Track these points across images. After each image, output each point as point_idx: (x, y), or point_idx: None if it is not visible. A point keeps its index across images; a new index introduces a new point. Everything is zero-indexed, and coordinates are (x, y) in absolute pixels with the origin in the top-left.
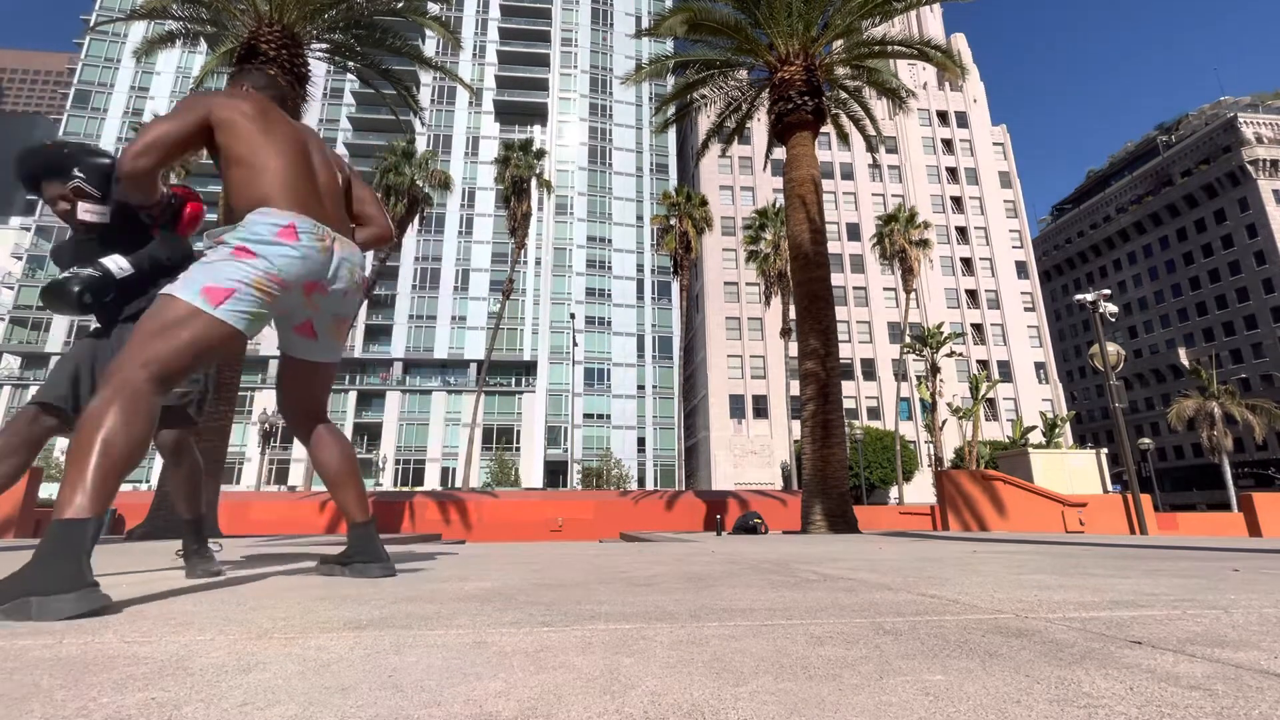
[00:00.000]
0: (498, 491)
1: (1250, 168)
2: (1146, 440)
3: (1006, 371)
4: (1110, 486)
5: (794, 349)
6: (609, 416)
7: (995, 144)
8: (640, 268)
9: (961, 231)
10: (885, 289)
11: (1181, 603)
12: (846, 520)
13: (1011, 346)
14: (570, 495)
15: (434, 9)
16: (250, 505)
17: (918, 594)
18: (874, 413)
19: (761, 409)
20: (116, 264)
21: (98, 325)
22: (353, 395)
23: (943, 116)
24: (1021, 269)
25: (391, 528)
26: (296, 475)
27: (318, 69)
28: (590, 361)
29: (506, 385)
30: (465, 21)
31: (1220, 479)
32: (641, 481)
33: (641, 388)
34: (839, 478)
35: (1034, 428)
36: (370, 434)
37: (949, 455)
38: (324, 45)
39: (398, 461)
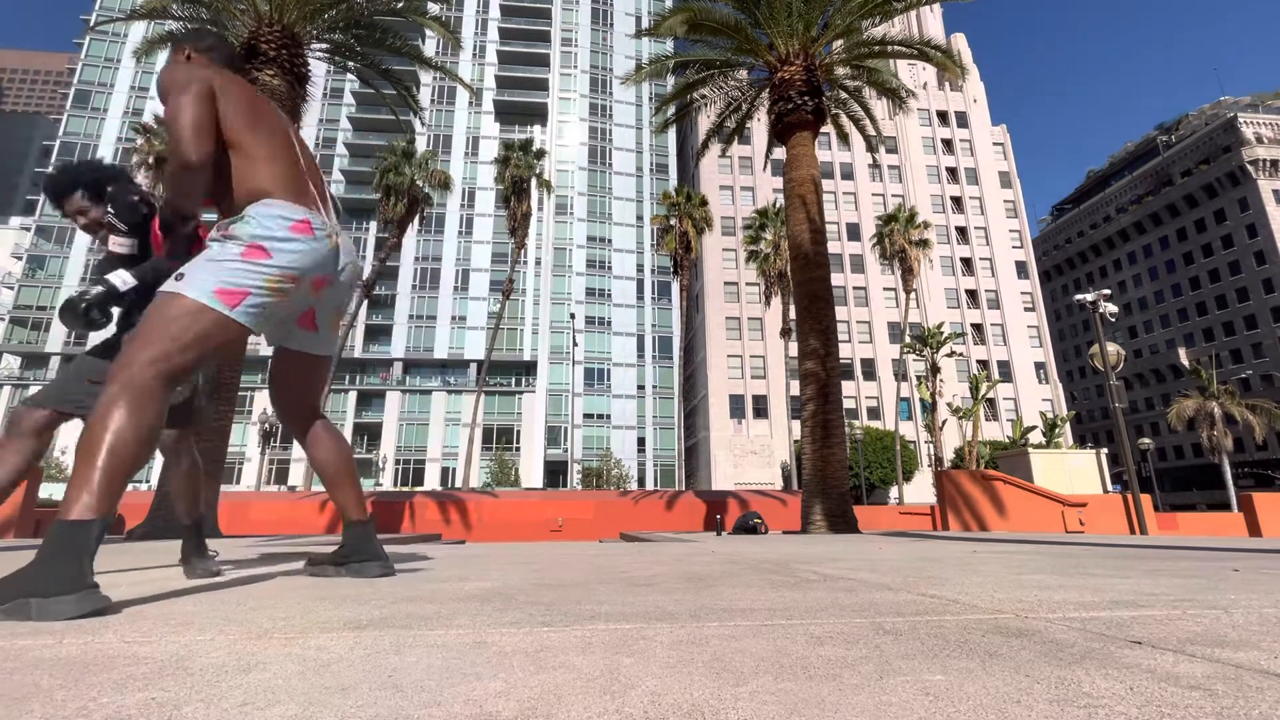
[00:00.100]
0: (498, 491)
1: (1250, 168)
2: (1146, 440)
3: (1006, 371)
4: (1110, 486)
5: (794, 349)
6: (609, 416)
7: (995, 144)
8: (640, 268)
9: (961, 231)
10: (885, 289)
11: (1181, 603)
12: (846, 520)
13: (1011, 346)
14: (570, 495)
15: (434, 9)
16: (250, 505)
17: (918, 594)
18: (874, 413)
19: (761, 409)
20: (121, 278)
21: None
22: (353, 395)
23: (943, 116)
24: (1021, 269)
25: (391, 528)
26: (296, 475)
27: (318, 69)
28: (590, 361)
29: (506, 385)
30: (465, 21)
31: (1220, 479)
32: (641, 481)
33: (641, 388)
34: (839, 478)
35: (1034, 428)
36: (370, 434)
37: (949, 455)
38: (324, 45)
39: (398, 461)
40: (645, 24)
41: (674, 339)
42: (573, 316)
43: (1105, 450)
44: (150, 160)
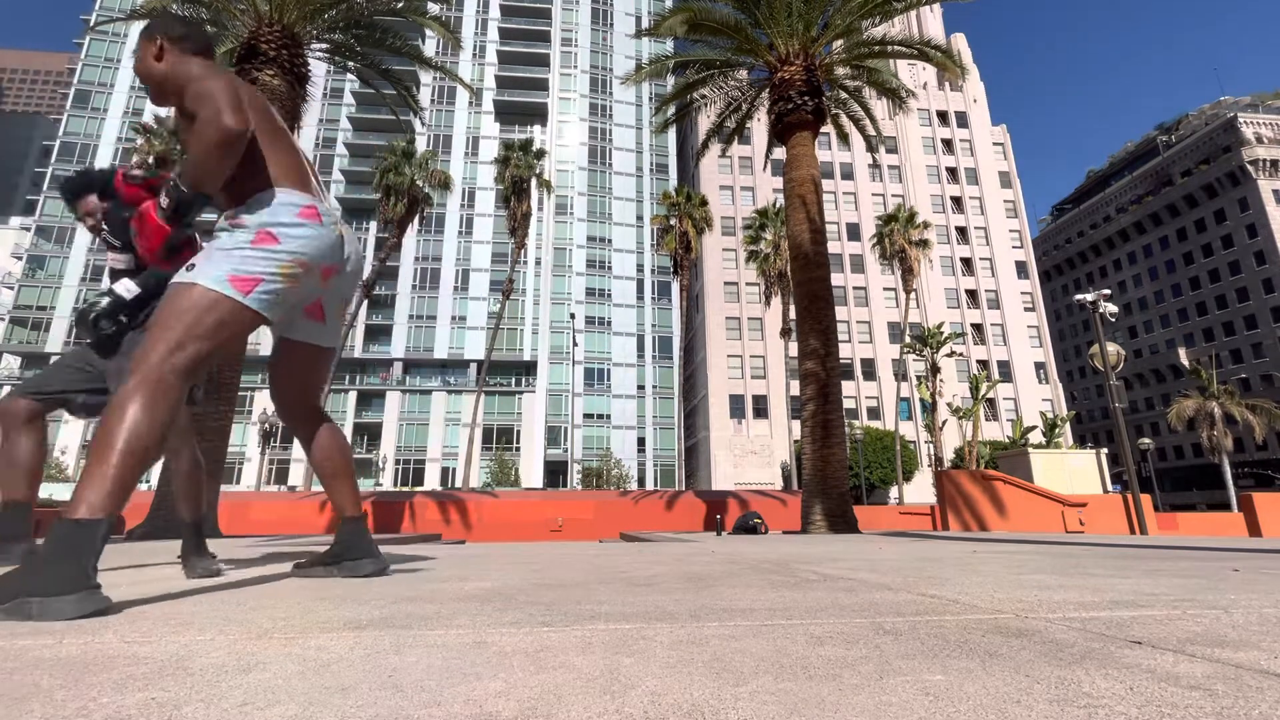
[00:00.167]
0: (498, 491)
1: (1250, 168)
2: (1146, 440)
3: (1006, 371)
4: (1110, 486)
5: (794, 349)
6: (609, 416)
7: (995, 144)
8: (640, 268)
9: (961, 231)
10: (885, 289)
11: (1181, 603)
12: (846, 520)
13: (1011, 346)
14: (570, 495)
15: (434, 9)
16: (250, 505)
17: (918, 594)
18: (874, 413)
19: (761, 409)
20: (125, 287)
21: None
22: (353, 395)
23: (943, 116)
24: (1021, 269)
25: (391, 528)
26: (296, 475)
27: (318, 69)
28: (590, 361)
29: (506, 385)
30: (465, 21)
31: (1220, 479)
32: (641, 481)
33: (641, 388)
34: (839, 478)
35: (1034, 428)
36: (370, 434)
37: (949, 455)
38: (324, 45)
39: (398, 461)
40: (645, 24)
41: (674, 339)
42: (573, 316)
43: (1105, 450)
44: (150, 160)
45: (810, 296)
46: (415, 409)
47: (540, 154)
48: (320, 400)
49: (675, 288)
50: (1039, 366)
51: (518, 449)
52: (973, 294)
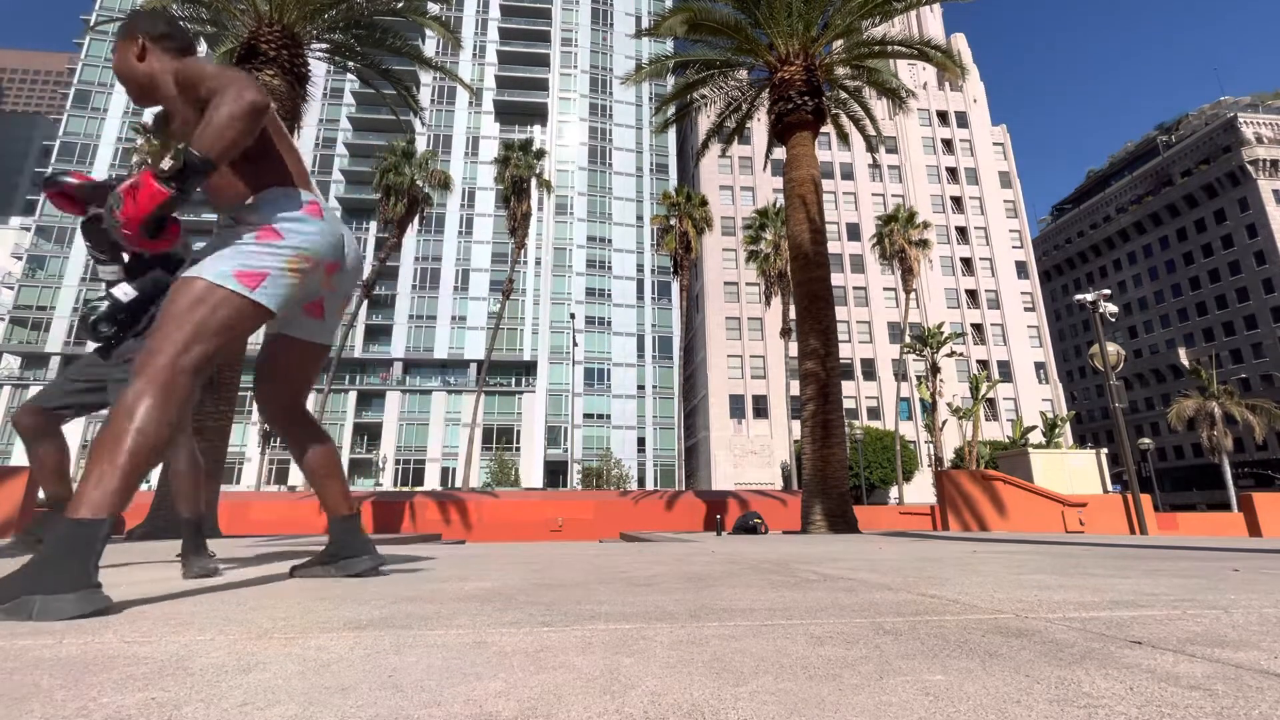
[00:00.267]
0: (498, 491)
1: (1250, 168)
2: (1146, 440)
3: (1006, 371)
4: (1110, 486)
5: (794, 349)
6: (609, 416)
7: (995, 144)
8: (640, 268)
9: (961, 231)
10: (885, 289)
11: (1181, 603)
12: (846, 520)
13: (1011, 346)
14: (570, 495)
15: (434, 9)
16: (250, 505)
17: (918, 594)
18: (874, 413)
19: (761, 409)
20: (123, 291)
21: (101, 347)
22: (353, 395)
23: (943, 116)
24: (1021, 269)
25: (391, 528)
26: (296, 475)
27: (318, 69)
28: (590, 361)
29: (506, 385)
30: (465, 21)
31: (1220, 479)
32: (641, 481)
33: (641, 388)
34: (839, 478)
35: (1034, 428)
36: (370, 434)
37: (949, 455)
38: (324, 45)
39: (398, 461)
40: (645, 24)
41: (674, 339)
42: (573, 316)
43: (1105, 450)
44: (150, 160)
45: (810, 296)
46: (415, 409)
47: (540, 154)
48: (306, 400)
49: (675, 288)
50: (1039, 366)
51: (518, 449)
52: (973, 294)
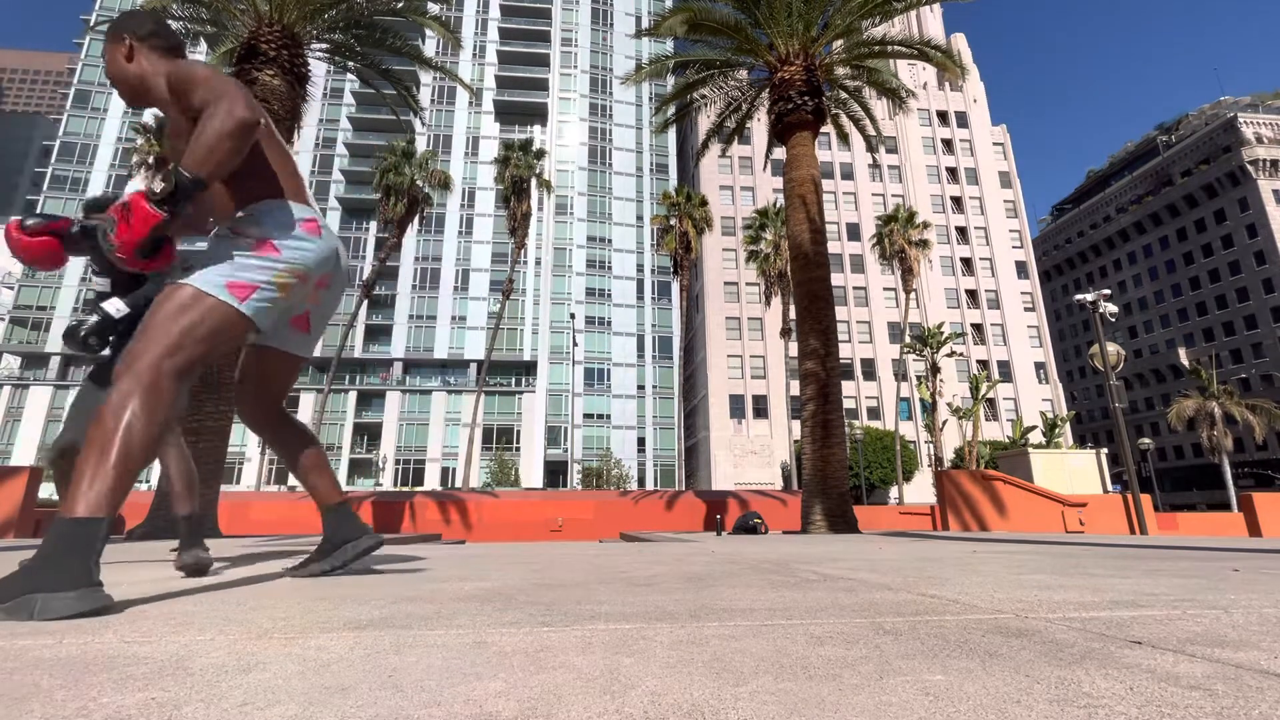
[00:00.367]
0: (498, 491)
1: (1250, 168)
2: (1146, 440)
3: (1006, 371)
4: (1110, 486)
5: (794, 349)
6: (609, 416)
7: (995, 144)
8: (640, 268)
9: (961, 231)
10: (885, 289)
11: (1181, 603)
12: (846, 520)
13: (1011, 346)
14: (570, 495)
15: (434, 9)
16: (250, 505)
17: (918, 594)
18: (874, 413)
19: (761, 409)
20: (115, 306)
21: (92, 372)
22: (353, 395)
23: (943, 116)
24: (1021, 269)
25: (391, 528)
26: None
27: (318, 69)
28: (590, 361)
29: (506, 385)
30: (465, 21)
31: (1220, 479)
32: (641, 481)
33: (641, 388)
34: (839, 478)
35: (1034, 428)
36: (370, 434)
37: (949, 455)
38: (324, 45)
39: (398, 461)
40: (645, 24)
41: (674, 339)
42: (573, 316)
43: (1105, 450)
44: (150, 160)
45: (810, 296)
46: (415, 409)
47: (540, 154)
48: (283, 403)
49: (675, 288)
50: (1039, 366)
51: (518, 449)
52: (973, 294)
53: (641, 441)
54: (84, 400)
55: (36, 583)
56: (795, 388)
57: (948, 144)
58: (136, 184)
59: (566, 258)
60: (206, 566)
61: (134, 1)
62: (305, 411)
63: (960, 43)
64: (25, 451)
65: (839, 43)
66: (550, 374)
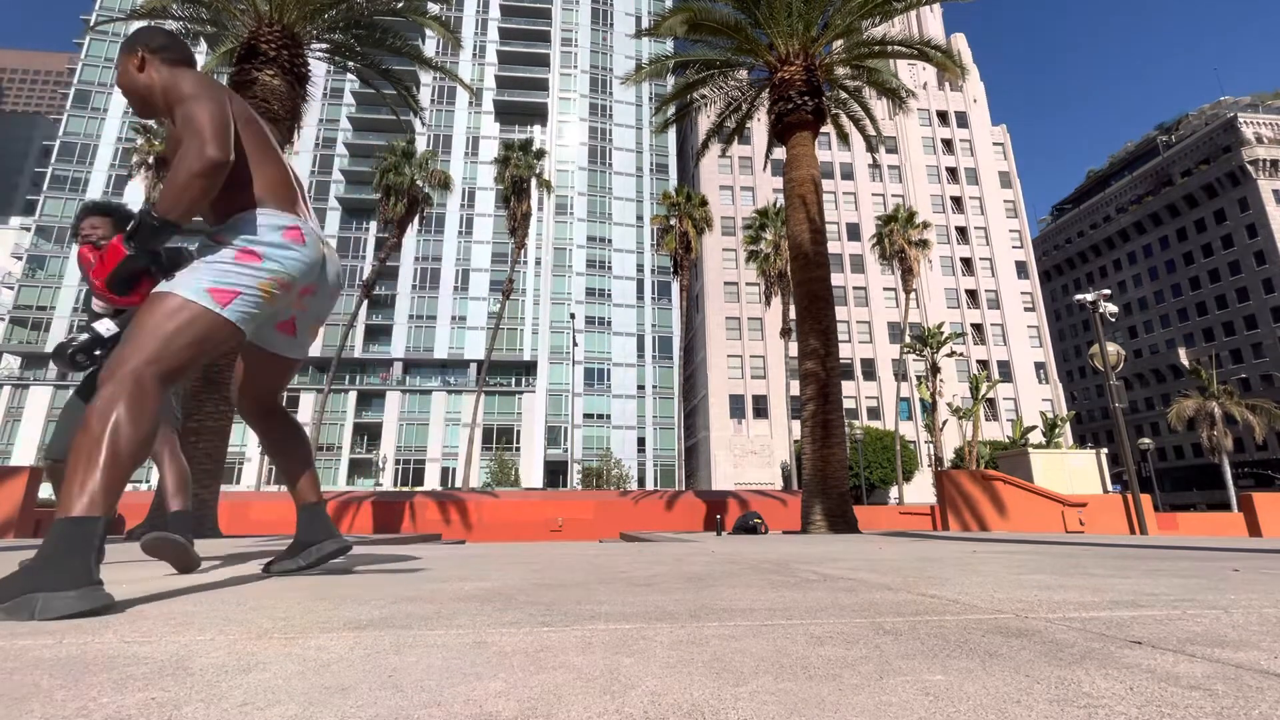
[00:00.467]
0: (498, 491)
1: (1250, 168)
2: (1146, 440)
3: (1006, 371)
4: (1110, 486)
5: (794, 349)
6: (609, 416)
7: (995, 144)
8: (640, 268)
9: (961, 231)
10: (885, 289)
11: (1181, 603)
12: (846, 520)
13: (1011, 346)
14: (570, 495)
15: (434, 9)
16: (250, 505)
17: (918, 594)
18: (874, 413)
19: (761, 409)
20: (105, 326)
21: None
22: (353, 395)
23: (943, 116)
24: (1021, 269)
25: (391, 528)
26: None
27: (318, 69)
28: (590, 361)
29: (506, 385)
30: (465, 21)
31: (1220, 479)
32: (641, 481)
33: (641, 388)
34: (839, 478)
35: (1034, 428)
36: (370, 434)
37: (949, 455)
38: (324, 45)
39: (398, 461)
40: (645, 24)
41: (674, 339)
42: (573, 316)
43: (1105, 450)
44: (150, 160)
45: (810, 296)
46: (415, 409)
47: (540, 154)
48: (280, 401)
49: (675, 288)
50: (1039, 366)
51: (518, 449)
52: (973, 294)
53: (641, 441)
54: (72, 410)
55: (37, 582)
56: (795, 388)
57: (948, 144)
58: (136, 184)
59: (566, 258)
60: (189, 565)
61: (135, 1)
62: (305, 411)
63: (960, 43)
64: (25, 451)
65: (839, 43)
66: (550, 374)
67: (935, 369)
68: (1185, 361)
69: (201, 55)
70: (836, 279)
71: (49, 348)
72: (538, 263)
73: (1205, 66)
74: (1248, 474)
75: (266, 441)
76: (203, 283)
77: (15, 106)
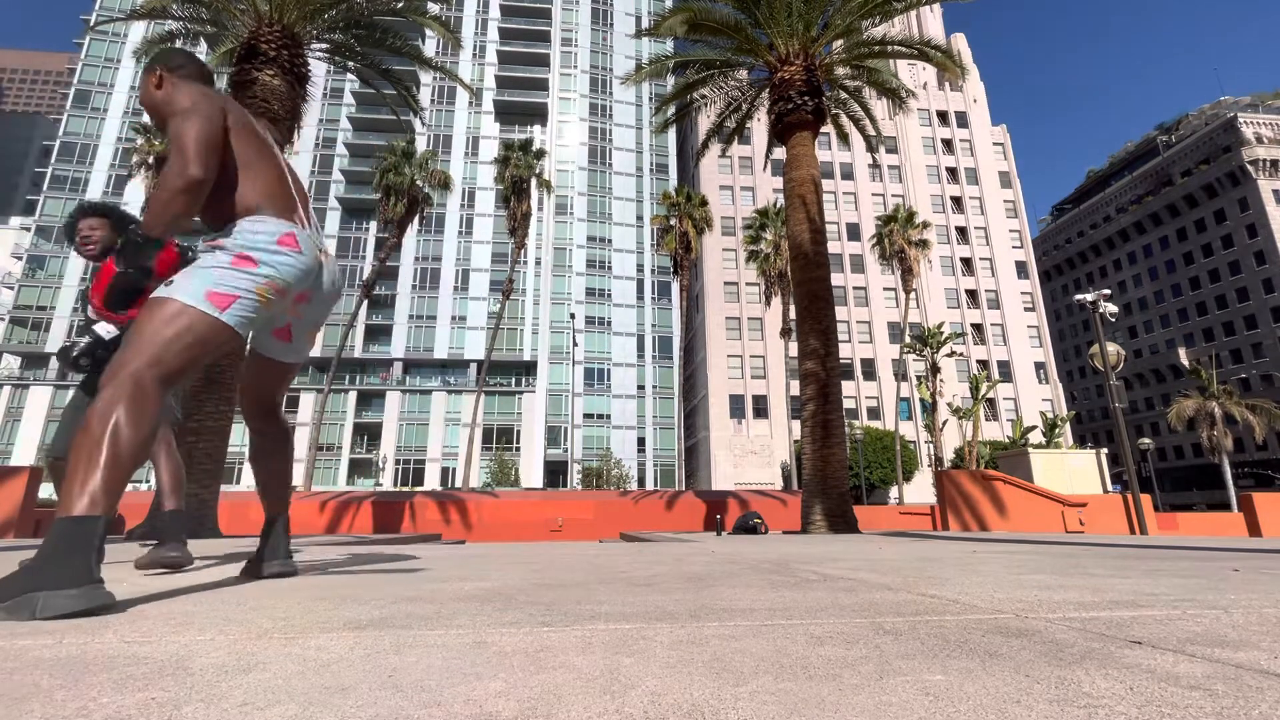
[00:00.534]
0: (498, 491)
1: (1250, 168)
2: (1146, 440)
3: (1006, 371)
4: (1110, 486)
5: (794, 349)
6: (609, 416)
7: (995, 144)
8: (640, 268)
9: (961, 231)
10: (885, 289)
11: (1181, 603)
12: (846, 520)
13: (1011, 346)
14: (570, 495)
15: (434, 9)
16: (250, 505)
17: (918, 594)
18: (874, 413)
19: (761, 409)
20: (105, 329)
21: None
22: (353, 395)
23: (943, 116)
24: (1021, 269)
25: (391, 528)
26: (297, 475)
27: (318, 69)
28: (590, 361)
29: (506, 385)
30: (465, 21)
31: (1220, 479)
32: (641, 481)
33: (641, 388)
34: (839, 478)
35: (1034, 428)
36: (370, 434)
37: (949, 455)
38: (324, 45)
39: (398, 461)
40: (645, 24)
41: (674, 339)
42: (573, 316)
43: (1105, 450)
44: (150, 160)
45: (810, 296)
46: (415, 409)
47: (540, 154)
48: (280, 403)
49: (675, 288)
50: (1039, 366)
51: (518, 449)
52: (973, 294)
53: (641, 441)
54: (75, 407)
55: (37, 581)
56: (795, 388)
57: (948, 144)
58: (136, 184)
59: (566, 258)
60: (178, 563)
61: (135, 1)
62: (305, 411)
63: (960, 43)
64: (25, 451)
65: (839, 43)
66: (550, 374)
67: (935, 369)
68: (1185, 361)
69: (201, 55)
70: (836, 279)
71: (49, 348)
72: (538, 263)
73: (1205, 66)
74: (1248, 474)
75: (255, 442)
76: (201, 287)
77: (15, 106)
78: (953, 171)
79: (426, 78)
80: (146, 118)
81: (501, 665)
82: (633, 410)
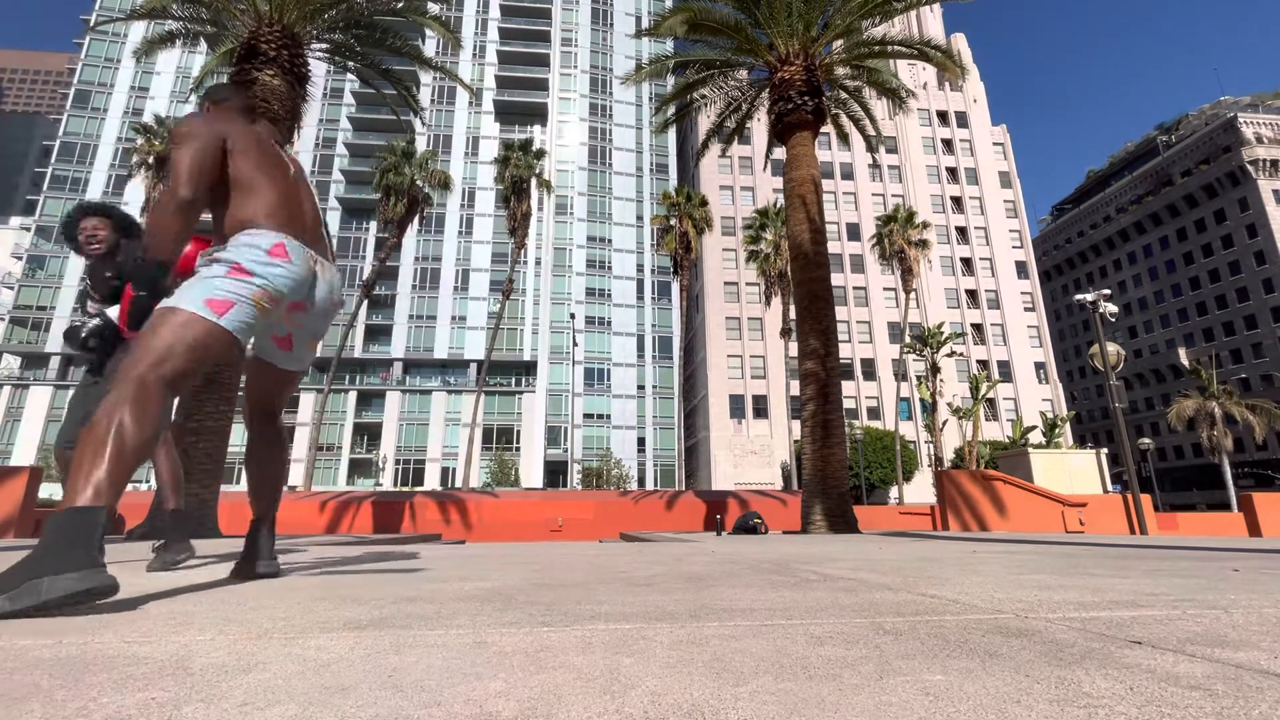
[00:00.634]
0: (498, 491)
1: (1250, 168)
2: (1146, 440)
3: (1006, 371)
4: (1110, 486)
5: (794, 349)
6: (609, 416)
7: (995, 144)
8: (640, 268)
9: (961, 231)
10: (885, 289)
11: (1181, 603)
12: (846, 520)
13: (1011, 346)
14: (570, 495)
15: (434, 9)
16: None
17: (918, 594)
18: (874, 413)
19: (761, 409)
20: (115, 311)
21: (90, 366)
22: (353, 395)
23: (943, 116)
24: (1021, 269)
25: (391, 528)
26: (296, 475)
27: (318, 69)
28: (590, 361)
29: (506, 385)
30: (465, 21)
31: (1220, 479)
32: (641, 481)
33: (641, 388)
34: (839, 478)
35: (1034, 428)
36: (370, 434)
37: (949, 455)
38: (324, 45)
39: (398, 461)
40: (645, 24)
41: (674, 339)
42: (573, 316)
43: (1105, 450)
44: (150, 160)
45: (810, 296)
46: (415, 409)
47: (540, 154)
48: (281, 409)
49: (675, 288)
50: (1039, 366)
51: (518, 449)
52: (973, 294)
53: (641, 441)
54: (82, 393)
55: (40, 568)
56: (795, 388)
57: (948, 144)
58: (136, 184)
59: (566, 258)
60: (179, 561)
61: (134, 1)
62: (305, 411)
63: (960, 43)
64: (25, 451)
65: (839, 43)
66: (550, 374)
67: (935, 369)
68: (1185, 361)
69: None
70: (836, 279)
71: (49, 348)
72: (538, 263)
73: (1205, 66)
74: (1248, 474)
75: (252, 444)
76: (200, 296)
77: (15, 106)
78: (953, 171)
79: (426, 78)
80: (146, 117)
81: (501, 665)
82: (633, 410)
